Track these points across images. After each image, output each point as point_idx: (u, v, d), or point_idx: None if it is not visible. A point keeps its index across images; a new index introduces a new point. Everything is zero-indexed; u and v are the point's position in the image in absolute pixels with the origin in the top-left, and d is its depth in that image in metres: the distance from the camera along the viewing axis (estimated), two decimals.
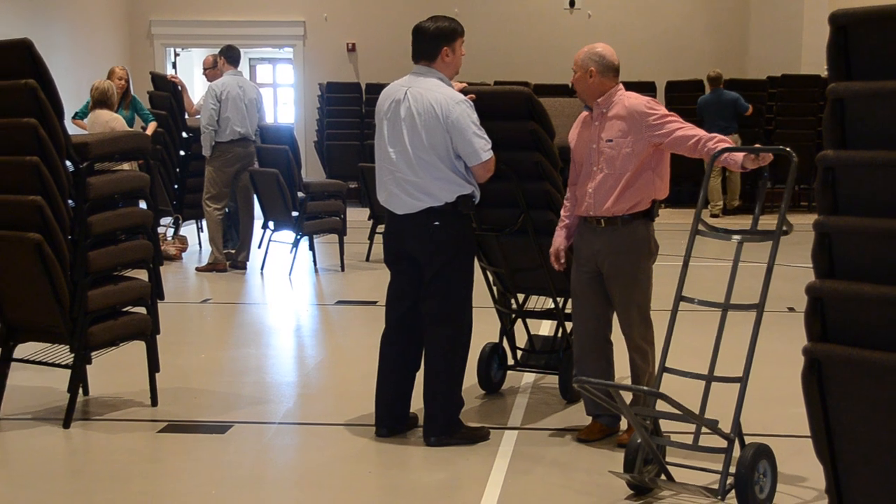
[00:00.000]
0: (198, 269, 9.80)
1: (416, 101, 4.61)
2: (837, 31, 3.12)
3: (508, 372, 5.71)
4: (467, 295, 4.79)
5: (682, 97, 14.65)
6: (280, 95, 20.69)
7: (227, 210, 9.90)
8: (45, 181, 4.75)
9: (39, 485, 4.33)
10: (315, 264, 9.84)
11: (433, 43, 4.67)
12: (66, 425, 4.96)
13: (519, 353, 5.69)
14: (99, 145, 5.08)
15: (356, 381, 5.77)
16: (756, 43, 16.56)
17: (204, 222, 11.44)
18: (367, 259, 10.20)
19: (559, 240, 4.78)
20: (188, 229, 11.29)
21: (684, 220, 13.29)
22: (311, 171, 16.23)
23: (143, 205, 5.71)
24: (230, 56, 9.70)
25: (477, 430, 4.85)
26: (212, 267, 9.70)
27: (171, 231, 10.65)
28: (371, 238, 10.21)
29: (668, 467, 4.07)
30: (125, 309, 5.25)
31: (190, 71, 17.91)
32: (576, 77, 4.62)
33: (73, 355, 5.01)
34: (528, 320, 5.75)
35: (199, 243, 11.31)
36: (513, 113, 4.99)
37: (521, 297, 5.67)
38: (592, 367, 4.65)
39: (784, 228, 3.99)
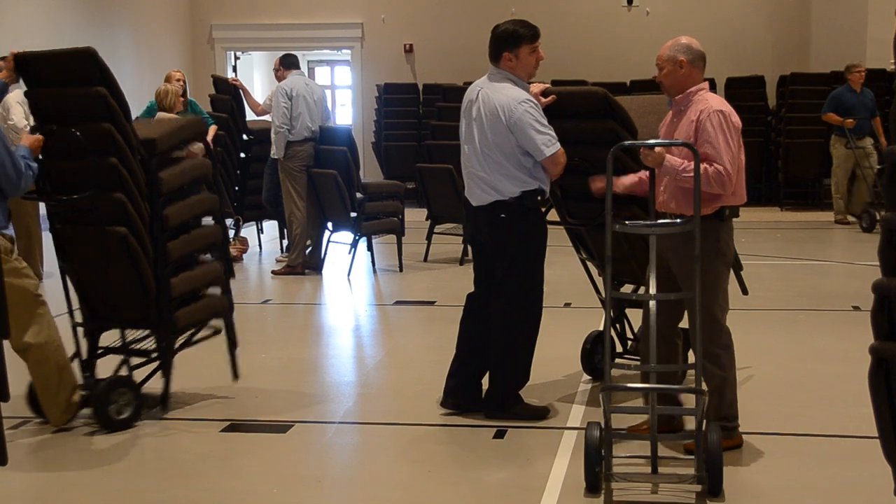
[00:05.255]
0: (274, 273, 9.75)
1: (485, 103, 4.92)
2: None
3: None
4: (536, 283, 5.03)
5: (743, 94, 14.45)
6: (338, 97, 20.84)
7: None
8: (124, 180, 4.98)
9: (106, 482, 4.42)
10: (373, 265, 9.89)
11: (494, 46, 4.98)
12: (164, 410, 5.22)
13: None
14: (164, 139, 5.23)
15: (415, 380, 5.79)
16: (818, 37, 16.24)
17: (265, 224, 11.59)
18: (425, 259, 10.21)
19: (627, 178, 4.72)
20: (248, 231, 11.41)
21: (754, 217, 13.09)
22: (369, 171, 16.31)
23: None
24: (287, 62, 9.75)
25: (535, 409, 5.08)
26: (290, 270, 9.60)
27: (231, 232, 10.76)
28: (429, 238, 10.20)
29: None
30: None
31: (250, 74, 18.12)
32: (664, 73, 4.55)
33: (156, 344, 5.25)
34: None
35: (259, 245, 11.43)
36: (591, 112, 5.15)
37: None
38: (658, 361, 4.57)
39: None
